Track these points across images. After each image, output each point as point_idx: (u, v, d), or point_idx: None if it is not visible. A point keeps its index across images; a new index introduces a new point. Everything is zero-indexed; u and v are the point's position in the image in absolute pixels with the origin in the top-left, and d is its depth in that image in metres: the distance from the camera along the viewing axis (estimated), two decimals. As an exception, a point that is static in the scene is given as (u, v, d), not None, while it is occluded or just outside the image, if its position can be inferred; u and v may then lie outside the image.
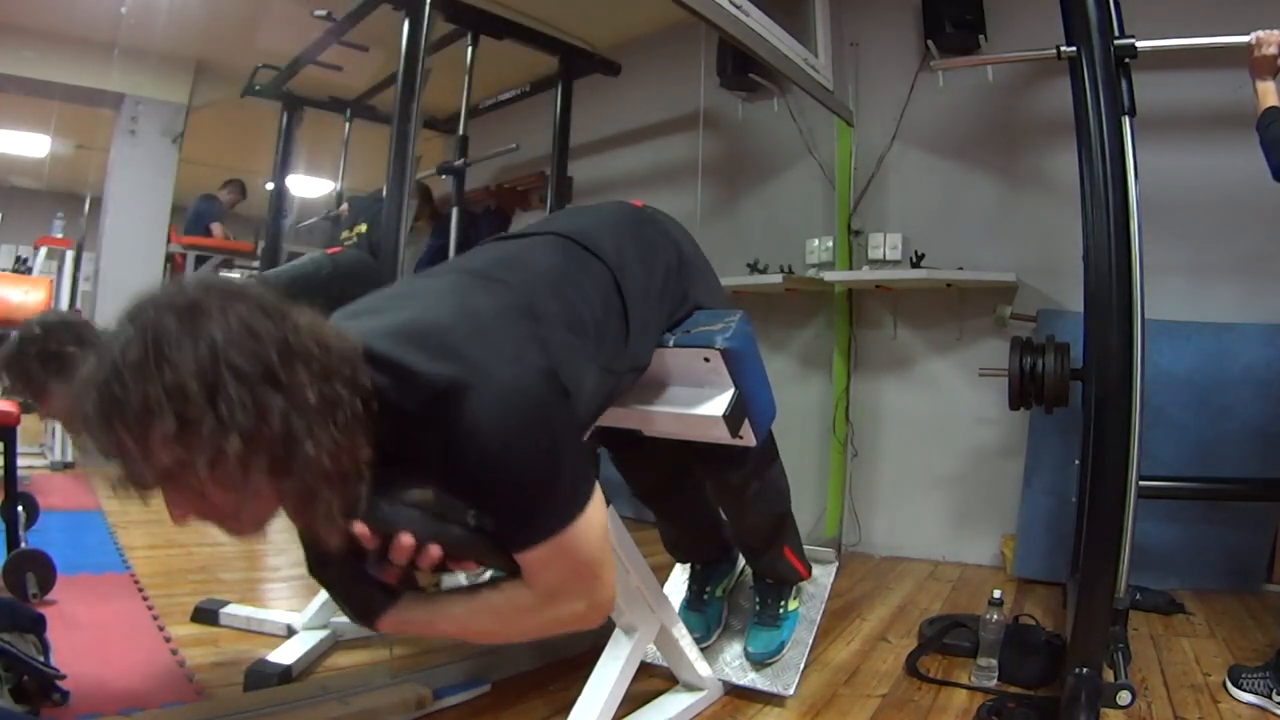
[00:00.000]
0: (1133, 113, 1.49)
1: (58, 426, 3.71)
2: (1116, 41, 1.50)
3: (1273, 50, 1.60)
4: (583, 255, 1.13)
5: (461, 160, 2.80)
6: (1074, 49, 1.54)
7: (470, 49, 2.81)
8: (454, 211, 2.78)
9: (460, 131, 2.82)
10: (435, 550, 0.87)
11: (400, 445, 0.86)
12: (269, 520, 0.83)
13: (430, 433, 0.85)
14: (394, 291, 1.09)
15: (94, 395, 0.71)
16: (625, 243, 1.19)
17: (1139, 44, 1.51)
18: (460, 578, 1.06)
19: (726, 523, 1.69)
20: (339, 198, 3.32)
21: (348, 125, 3.46)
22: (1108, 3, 1.50)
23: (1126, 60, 1.51)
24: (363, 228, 2.48)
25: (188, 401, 0.70)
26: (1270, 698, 1.54)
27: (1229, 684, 1.62)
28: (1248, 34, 1.63)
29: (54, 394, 1.36)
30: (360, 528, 0.84)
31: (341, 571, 0.93)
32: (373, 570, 0.89)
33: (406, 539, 0.85)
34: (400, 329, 0.89)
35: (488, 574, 1.02)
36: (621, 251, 1.17)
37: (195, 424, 0.70)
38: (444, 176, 2.82)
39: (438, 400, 0.84)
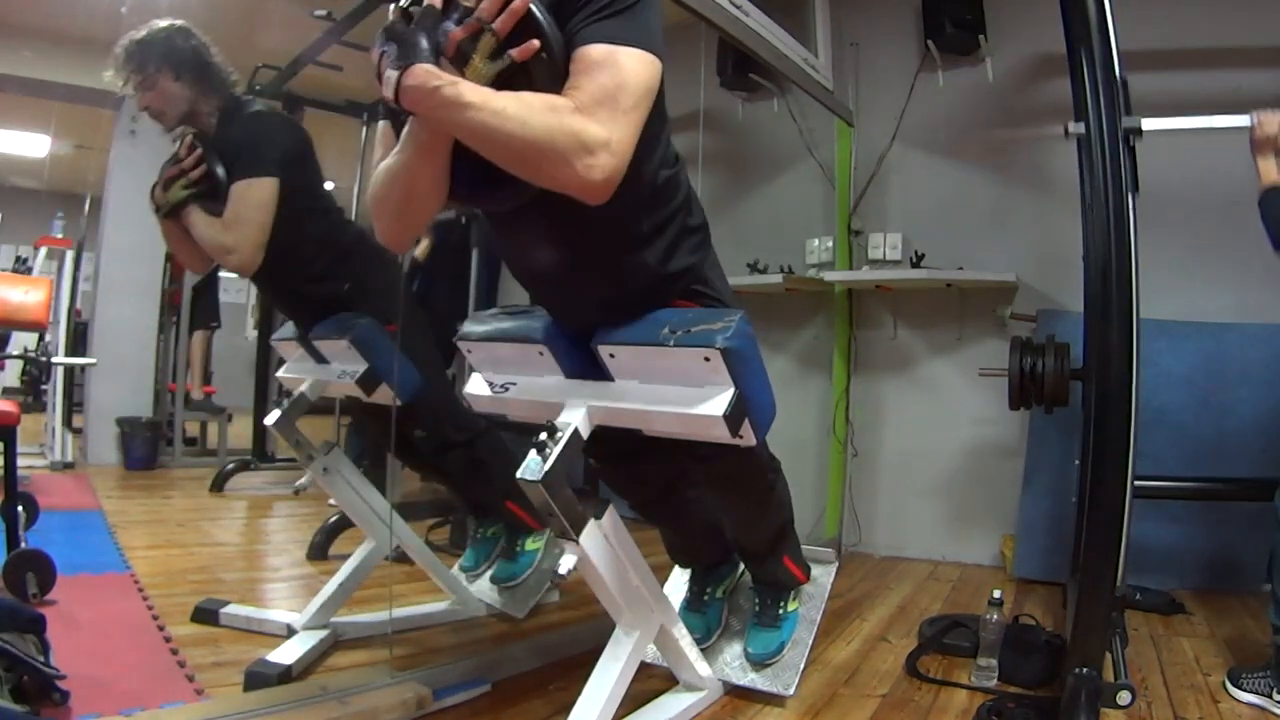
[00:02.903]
0: (1136, 189, 1.51)
1: (57, 426, 3.72)
2: (1124, 122, 1.50)
3: (1273, 130, 1.61)
4: None
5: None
6: (1082, 127, 1.54)
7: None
8: (474, 254, 2.81)
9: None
10: (521, 2, 0.92)
11: None
12: None
13: None
14: None
15: None
16: None
17: (1145, 124, 1.53)
18: None
19: (727, 531, 1.69)
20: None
21: (365, 129, 3.46)
22: (1115, 85, 1.50)
23: (1133, 140, 1.53)
24: None
25: None
26: (1270, 697, 1.54)
27: (1229, 684, 1.63)
28: (1248, 116, 1.64)
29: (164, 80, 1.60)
30: None
31: (417, 21, 0.95)
32: (448, 28, 0.94)
33: None
34: None
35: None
36: None
37: None
38: (463, 220, 2.87)
39: None
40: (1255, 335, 2.42)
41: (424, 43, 0.93)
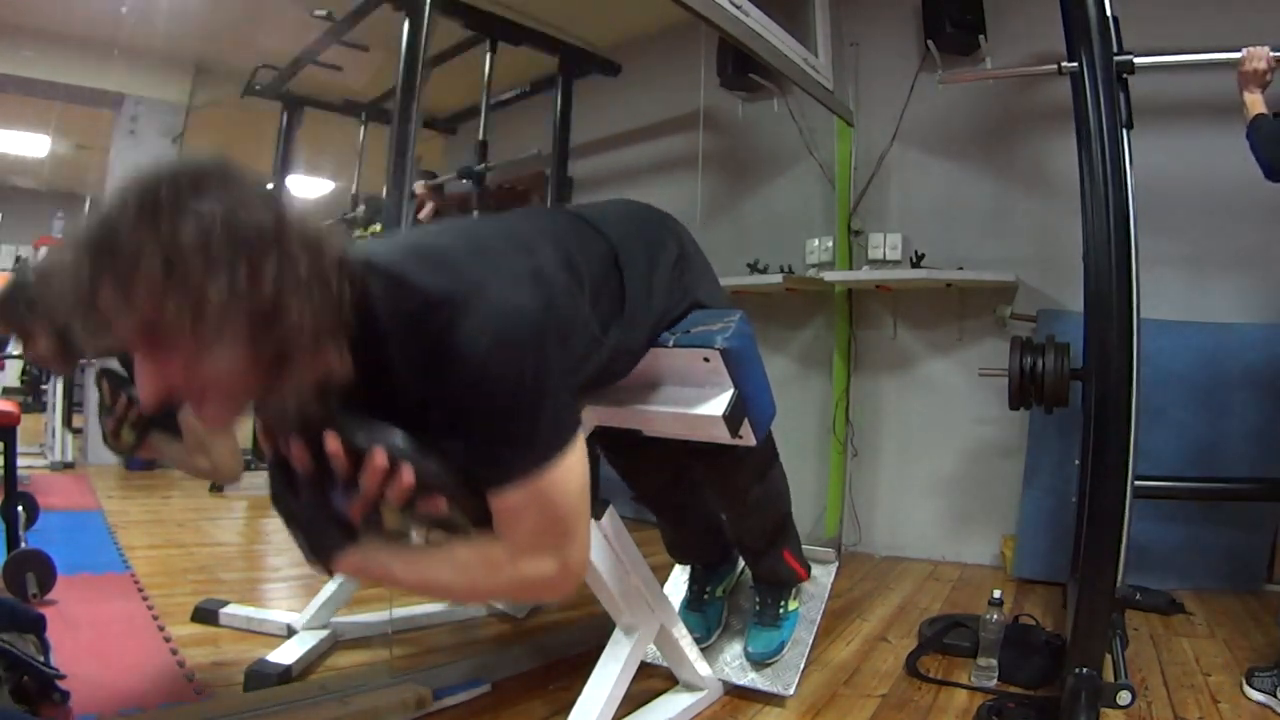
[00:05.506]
0: (1130, 125, 1.53)
1: (57, 426, 3.72)
2: (1116, 57, 1.53)
3: (1260, 64, 1.66)
4: (586, 229, 1.14)
5: (482, 165, 2.83)
6: (1075, 64, 1.57)
7: (489, 55, 2.84)
8: (474, 215, 2.83)
9: (480, 135, 2.86)
10: (408, 476, 0.83)
11: (381, 360, 0.85)
12: (240, 405, 0.80)
13: (414, 346, 0.83)
14: (395, 232, 1.13)
15: (83, 245, 0.70)
16: (629, 229, 1.20)
17: (1137, 60, 1.55)
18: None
19: (727, 524, 1.69)
20: (354, 200, 3.34)
21: (363, 129, 3.46)
22: (1107, 20, 1.53)
23: (1125, 75, 1.55)
24: (377, 227, 2.52)
25: (180, 249, 0.69)
26: (1275, 695, 1.54)
27: (1245, 684, 1.62)
28: (1238, 50, 1.69)
29: (41, 336, 1.38)
30: (332, 441, 0.82)
31: (306, 499, 0.88)
32: (339, 501, 0.86)
33: (380, 458, 0.82)
34: (401, 245, 0.93)
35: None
36: (624, 236, 1.17)
37: (183, 271, 0.69)
38: (464, 180, 2.87)
39: (428, 311, 0.83)
40: (1255, 335, 2.41)
41: (329, 527, 0.88)
